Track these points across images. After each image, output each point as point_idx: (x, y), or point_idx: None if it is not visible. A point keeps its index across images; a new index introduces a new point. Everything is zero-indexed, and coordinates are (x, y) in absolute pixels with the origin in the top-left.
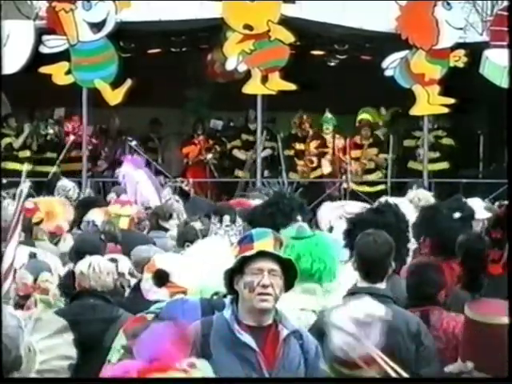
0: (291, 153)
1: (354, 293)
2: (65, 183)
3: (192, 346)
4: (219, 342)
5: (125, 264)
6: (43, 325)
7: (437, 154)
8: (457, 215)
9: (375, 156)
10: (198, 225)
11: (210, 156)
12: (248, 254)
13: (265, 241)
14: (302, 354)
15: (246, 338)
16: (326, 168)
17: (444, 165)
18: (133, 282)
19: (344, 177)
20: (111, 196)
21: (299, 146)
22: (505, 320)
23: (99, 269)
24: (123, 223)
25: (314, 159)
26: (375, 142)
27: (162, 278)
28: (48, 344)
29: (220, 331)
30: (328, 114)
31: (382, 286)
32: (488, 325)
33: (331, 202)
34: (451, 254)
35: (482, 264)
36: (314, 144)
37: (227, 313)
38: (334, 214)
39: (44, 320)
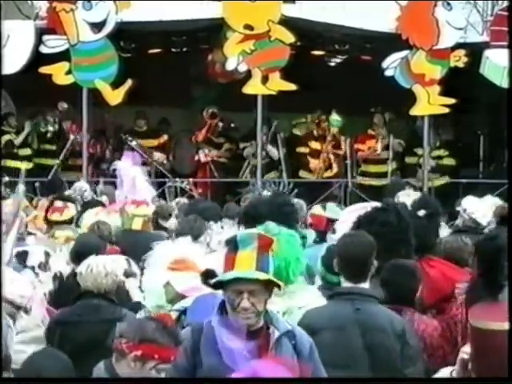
0: (306, 151)
1: (339, 293)
2: (81, 184)
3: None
4: (209, 349)
5: (119, 265)
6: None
7: (437, 175)
8: (421, 213)
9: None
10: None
11: (215, 153)
12: (222, 278)
13: (248, 250)
14: (295, 353)
15: (234, 344)
16: (336, 169)
17: (445, 179)
18: (129, 282)
19: (348, 172)
20: (103, 198)
21: (315, 145)
22: (497, 326)
23: (97, 270)
24: (137, 224)
25: (332, 157)
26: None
27: (211, 278)
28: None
29: (209, 338)
30: (335, 116)
31: (365, 285)
32: (479, 329)
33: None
34: (423, 251)
35: (498, 265)
36: (331, 144)
37: (214, 321)
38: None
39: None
